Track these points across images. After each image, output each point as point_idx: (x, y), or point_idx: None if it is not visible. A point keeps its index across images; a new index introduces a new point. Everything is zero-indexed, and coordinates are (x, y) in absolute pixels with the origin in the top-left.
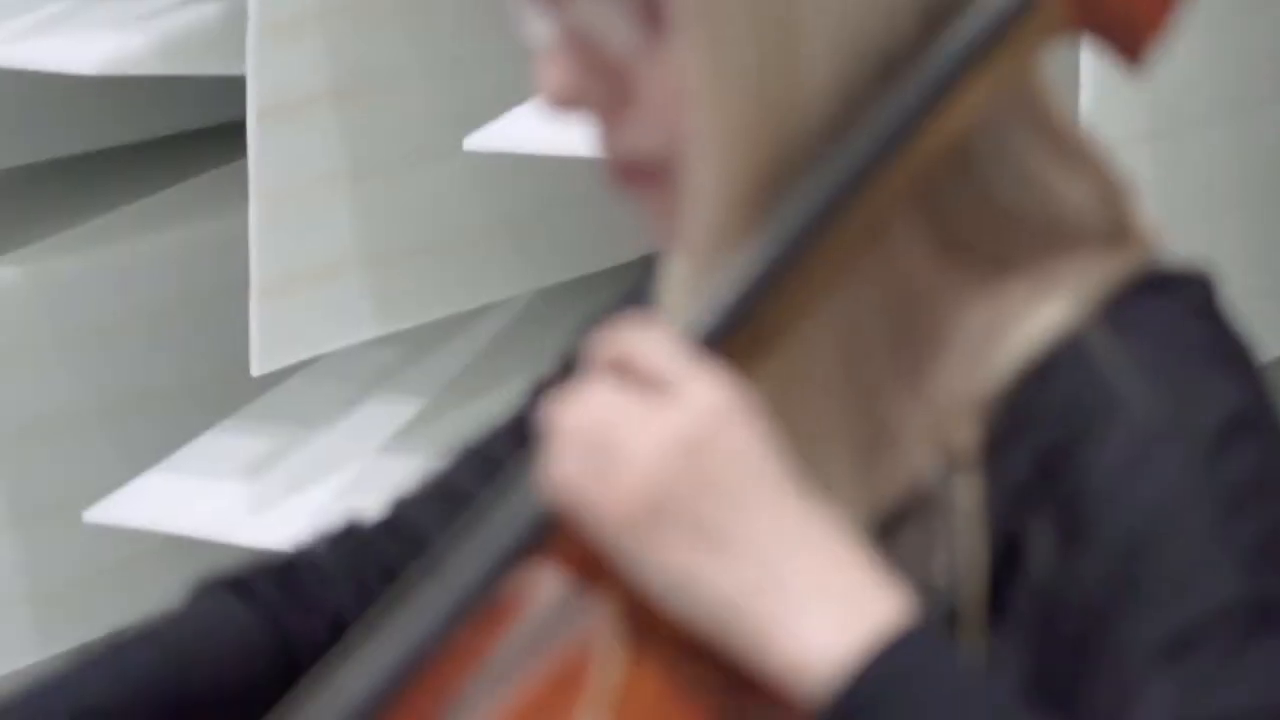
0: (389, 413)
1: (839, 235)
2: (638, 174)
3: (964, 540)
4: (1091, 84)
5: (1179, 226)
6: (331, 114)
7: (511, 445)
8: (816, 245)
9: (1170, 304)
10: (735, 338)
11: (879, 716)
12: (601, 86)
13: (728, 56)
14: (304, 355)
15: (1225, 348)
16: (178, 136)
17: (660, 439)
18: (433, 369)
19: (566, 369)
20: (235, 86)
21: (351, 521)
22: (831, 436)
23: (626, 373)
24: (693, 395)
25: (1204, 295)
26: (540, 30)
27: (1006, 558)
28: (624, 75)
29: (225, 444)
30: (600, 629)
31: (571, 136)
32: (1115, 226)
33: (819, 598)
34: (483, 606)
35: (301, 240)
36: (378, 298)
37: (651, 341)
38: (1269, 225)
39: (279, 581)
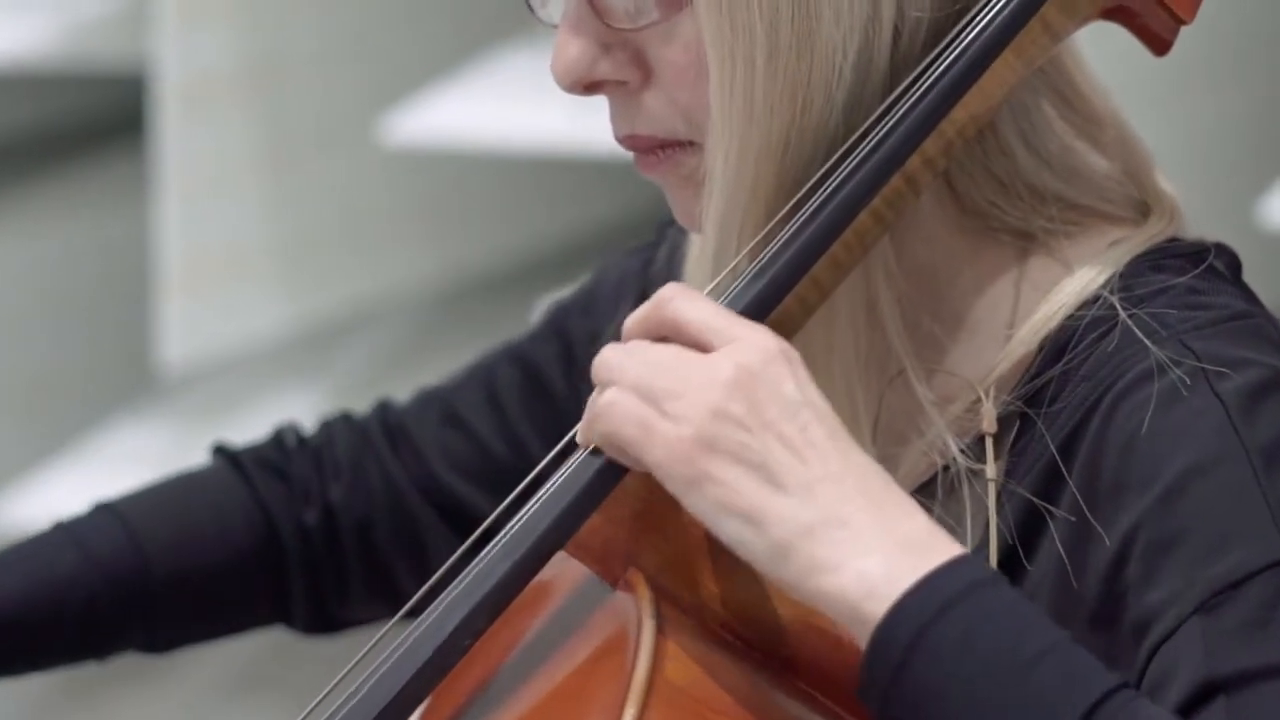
0: (296, 406)
1: (865, 216)
2: (658, 153)
3: (986, 516)
4: None
5: None
6: (240, 100)
7: (514, 376)
8: (846, 226)
9: (1193, 274)
10: (768, 317)
11: (942, 626)
12: (618, 64)
13: (743, 31)
14: (213, 345)
15: (1249, 316)
16: (72, 129)
17: (714, 379)
18: (341, 361)
19: (587, 302)
20: (132, 81)
21: (368, 419)
22: (853, 417)
23: (673, 331)
24: (744, 341)
25: (1226, 267)
26: (556, 7)
27: (1030, 532)
28: (641, 52)
29: (126, 437)
30: (631, 617)
31: (486, 125)
32: (1138, 199)
33: (885, 535)
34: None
35: (210, 228)
36: (287, 285)
37: (694, 301)
38: (1208, 205)
39: (279, 468)
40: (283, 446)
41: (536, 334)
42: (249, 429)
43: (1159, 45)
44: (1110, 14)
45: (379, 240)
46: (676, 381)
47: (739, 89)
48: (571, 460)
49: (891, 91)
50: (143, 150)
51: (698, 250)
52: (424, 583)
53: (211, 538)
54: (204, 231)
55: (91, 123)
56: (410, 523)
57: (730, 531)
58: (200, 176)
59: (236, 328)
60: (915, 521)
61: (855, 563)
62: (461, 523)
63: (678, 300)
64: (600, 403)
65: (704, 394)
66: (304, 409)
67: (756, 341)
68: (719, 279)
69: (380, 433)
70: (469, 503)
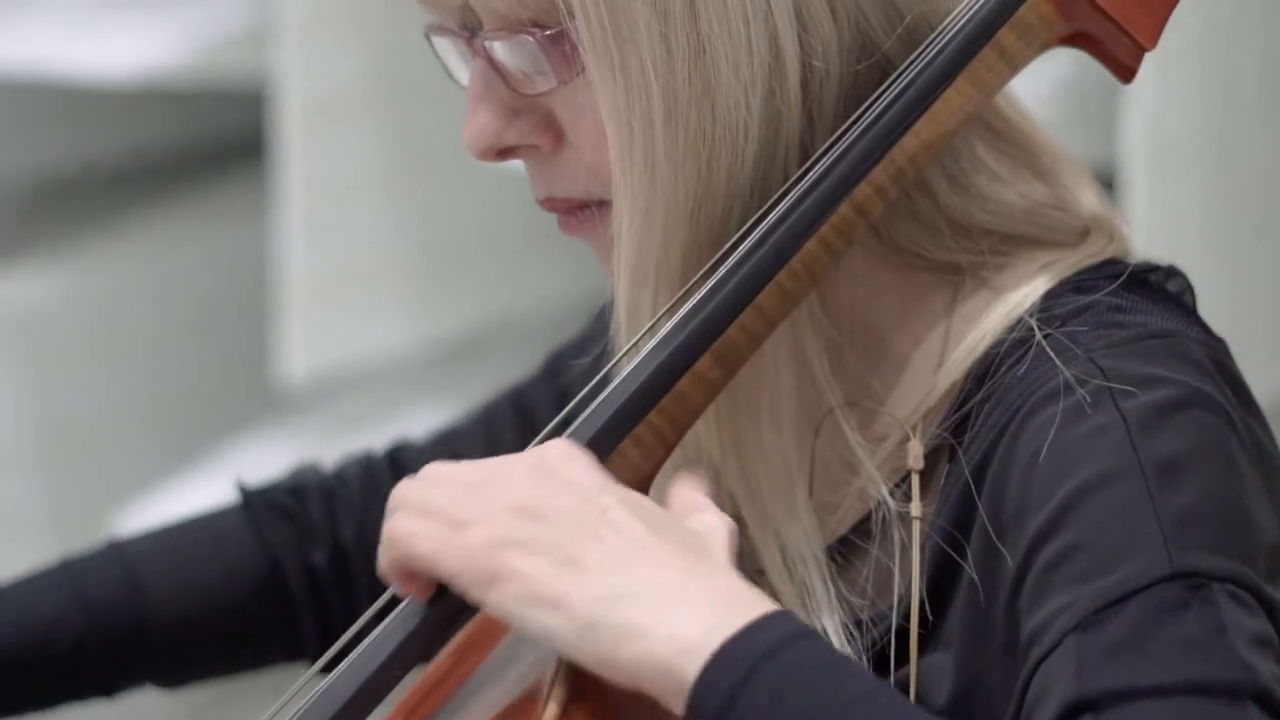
0: (423, 423)
1: (814, 244)
2: (577, 214)
3: (912, 554)
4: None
5: (1160, 252)
6: (364, 116)
7: (511, 419)
8: (794, 253)
9: (1107, 290)
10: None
11: (757, 681)
12: (528, 129)
13: (638, 92)
14: (337, 362)
15: (1168, 335)
16: (196, 146)
17: (509, 479)
18: (473, 379)
19: (583, 342)
20: (256, 98)
21: (381, 460)
22: (789, 468)
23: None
24: (536, 447)
25: (1165, 286)
26: (464, 78)
27: (951, 565)
28: (550, 115)
29: (250, 454)
30: (550, 666)
31: None
32: (1073, 226)
33: (691, 596)
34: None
35: (333, 244)
36: (415, 302)
37: None
38: (1248, 252)
39: (288, 510)
40: (298, 487)
41: (536, 375)
42: (374, 446)
43: (1124, 73)
44: (1072, 41)
45: (510, 255)
46: (465, 491)
47: (639, 150)
48: None
49: (810, 148)
50: (267, 167)
51: (618, 304)
52: None
53: (214, 583)
54: (327, 248)
55: (216, 140)
56: None
57: (536, 623)
58: (324, 192)
59: (361, 345)
60: (727, 580)
61: (666, 624)
62: None
63: None
64: (387, 530)
65: (496, 494)
66: (432, 427)
67: (548, 443)
68: (658, 316)
69: (388, 473)
70: None
